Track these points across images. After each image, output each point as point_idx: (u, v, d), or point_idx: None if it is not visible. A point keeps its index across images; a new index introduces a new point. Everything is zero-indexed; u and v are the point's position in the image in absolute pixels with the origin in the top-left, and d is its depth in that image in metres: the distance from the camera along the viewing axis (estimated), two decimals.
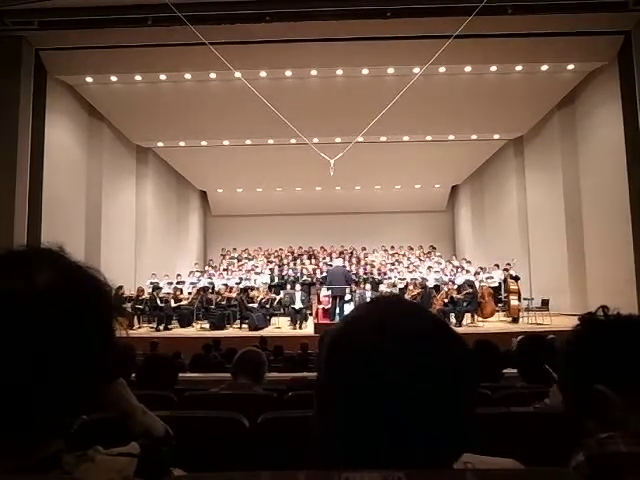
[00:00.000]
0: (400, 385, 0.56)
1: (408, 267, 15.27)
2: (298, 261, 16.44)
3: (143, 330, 11.40)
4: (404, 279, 13.75)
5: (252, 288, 13.01)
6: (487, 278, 12.70)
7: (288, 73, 11.13)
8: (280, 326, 11.90)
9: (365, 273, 14.79)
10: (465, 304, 11.42)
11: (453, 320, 11.26)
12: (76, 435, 0.70)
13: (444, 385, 0.57)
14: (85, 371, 0.62)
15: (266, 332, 10.72)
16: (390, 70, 11.02)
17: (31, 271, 0.62)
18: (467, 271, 13.97)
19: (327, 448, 0.61)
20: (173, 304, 12.22)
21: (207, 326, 11.58)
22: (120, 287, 11.34)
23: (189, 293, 13.12)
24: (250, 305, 12.02)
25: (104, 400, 0.98)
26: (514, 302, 11.64)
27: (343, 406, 0.58)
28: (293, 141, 12.70)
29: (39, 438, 0.62)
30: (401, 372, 0.56)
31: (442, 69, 10.78)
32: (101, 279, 0.69)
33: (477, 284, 12.29)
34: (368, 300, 0.70)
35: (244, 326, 11.64)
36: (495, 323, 11.63)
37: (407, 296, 12.18)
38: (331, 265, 14.19)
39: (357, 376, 0.57)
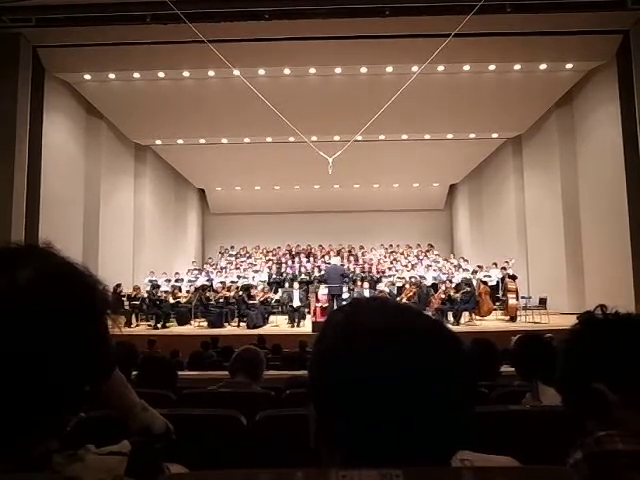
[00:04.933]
0: (396, 383, 0.56)
1: (406, 265, 15.28)
2: (296, 259, 16.44)
3: (141, 328, 11.40)
4: (403, 278, 13.76)
5: (252, 286, 13.01)
6: (485, 276, 12.72)
7: (287, 71, 11.12)
8: (278, 324, 11.89)
9: (363, 271, 14.80)
10: (463, 303, 11.43)
11: (451, 319, 11.27)
12: (72, 434, 0.69)
13: (439, 383, 0.57)
14: (72, 369, 0.62)
15: (264, 330, 10.72)
16: (389, 69, 11.02)
17: (13, 268, 0.61)
18: (465, 270, 13.99)
19: (323, 446, 0.61)
20: (171, 302, 12.22)
21: (205, 324, 11.59)
22: (118, 285, 11.36)
23: (187, 291, 13.12)
24: (250, 302, 11.99)
25: (103, 397, 0.98)
26: (512, 301, 11.65)
27: (339, 405, 0.58)
28: (292, 139, 12.68)
29: (29, 438, 0.61)
30: (397, 370, 0.56)
31: (441, 68, 10.79)
32: (90, 276, 0.68)
33: (475, 282, 12.31)
34: (361, 299, 0.69)
35: (242, 324, 11.64)
36: (493, 322, 11.65)
37: (404, 295, 12.22)
38: (329, 264, 14.19)
39: (353, 374, 0.57)
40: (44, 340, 0.59)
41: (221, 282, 13.21)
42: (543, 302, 11.61)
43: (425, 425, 0.56)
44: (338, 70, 11.12)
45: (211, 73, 11.09)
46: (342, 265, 13.99)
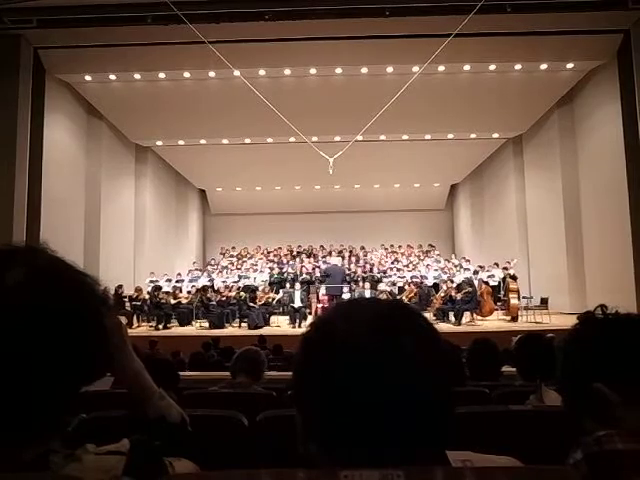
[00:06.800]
0: (380, 382, 0.56)
1: (407, 266, 15.27)
2: (297, 260, 16.44)
3: (142, 329, 11.40)
4: (404, 278, 13.75)
5: (256, 288, 13.02)
6: (488, 276, 12.71)
7: (287, 72, 11.12)
8: (279, 325, 11.90)
9: (364, 272, 14.79)
10: (464, 303, 11.42)
11: (452, 319, 11.28)
12: (73, 434, 0.69)
13: (422, 382, 0.57)
14: (68, 368, 0.62)
15: (265, 331, 10.72)
16: (389, 69, 11.02)
17: (7, 268, 0.61)
18: (466, 270, 13.98)
19: (316, 447, 0.61)
20: (172, 302, 12.22)
21: (206, 325, 11.59)
22: (120, 286, 11.36)
23: (188, 292, 13.12)
24: (251, 304, 12.00)
25: (122, 377, 0.98)
26: (513, 301, 11.64)
27: (325, 405, 0.57)
28: (292, 140, 12.68)
29: (26, 437, 0.61)
30: (381, 369, 0.56)
31: (441, 68, 10.78)
32: (86, 275, 0.68)
33: (476, 283, 12.29)
34: (345, 301, 0.69)
35: (243, 325, 11.65)
36: (494, 322, 11.64)
37: (405, 295, 12.22)
38: (329, 263, 14.15)
39: (339, 373, 0.56)
40: (37, 339, 0.59)
41: (223, 282, 13.22)
42: (544, 302, 11.60)
43: (407, 423, 0.56)
44: (338, 70, 11.12)
45: (211, 74, 11.10)
46: (343, 266, 13.97)
